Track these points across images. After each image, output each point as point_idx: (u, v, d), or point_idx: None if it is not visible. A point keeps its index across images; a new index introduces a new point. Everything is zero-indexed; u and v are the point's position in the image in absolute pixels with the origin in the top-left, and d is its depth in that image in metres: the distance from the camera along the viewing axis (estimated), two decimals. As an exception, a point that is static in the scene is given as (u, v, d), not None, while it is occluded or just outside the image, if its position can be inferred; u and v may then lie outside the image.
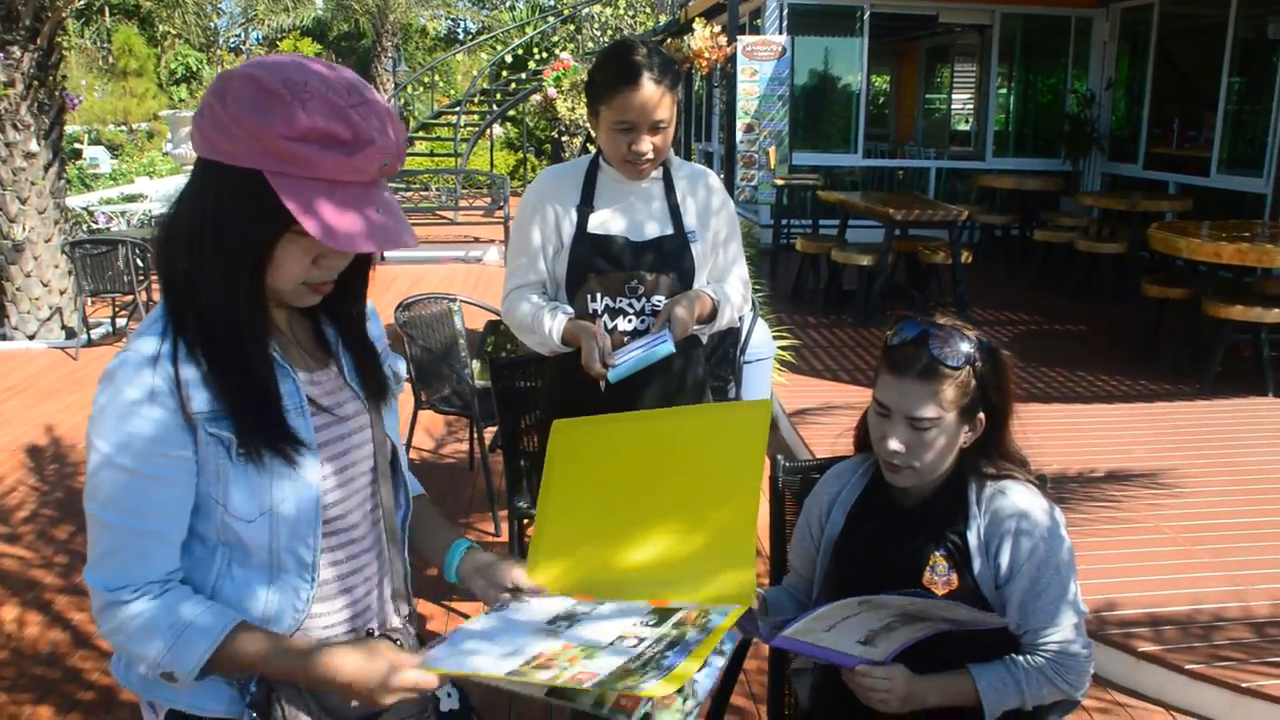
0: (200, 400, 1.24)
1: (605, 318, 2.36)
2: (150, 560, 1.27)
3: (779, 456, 2.15)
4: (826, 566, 1.86)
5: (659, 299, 2.36)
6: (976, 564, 1.72)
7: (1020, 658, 1.72)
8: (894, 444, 1.69)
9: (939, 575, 1.74)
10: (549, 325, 2.34)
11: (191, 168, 1.26)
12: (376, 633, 1.43)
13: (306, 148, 1.15)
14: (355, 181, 1.19)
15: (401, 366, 1.59)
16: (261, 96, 1.15)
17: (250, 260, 1.23)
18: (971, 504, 1.76)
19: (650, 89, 2.19)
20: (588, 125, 7.58)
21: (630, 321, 2.37)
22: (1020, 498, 1.75)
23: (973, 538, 1.74)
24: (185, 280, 1.26)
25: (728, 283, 2.51)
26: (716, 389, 4.81)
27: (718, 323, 2.45)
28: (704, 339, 2.57)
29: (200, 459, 1.26)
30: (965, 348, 1.67)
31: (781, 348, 6.18)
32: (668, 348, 2.19)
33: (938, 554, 1.74)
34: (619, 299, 2.36)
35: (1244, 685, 2.94)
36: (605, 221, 2.38)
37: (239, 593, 1.32)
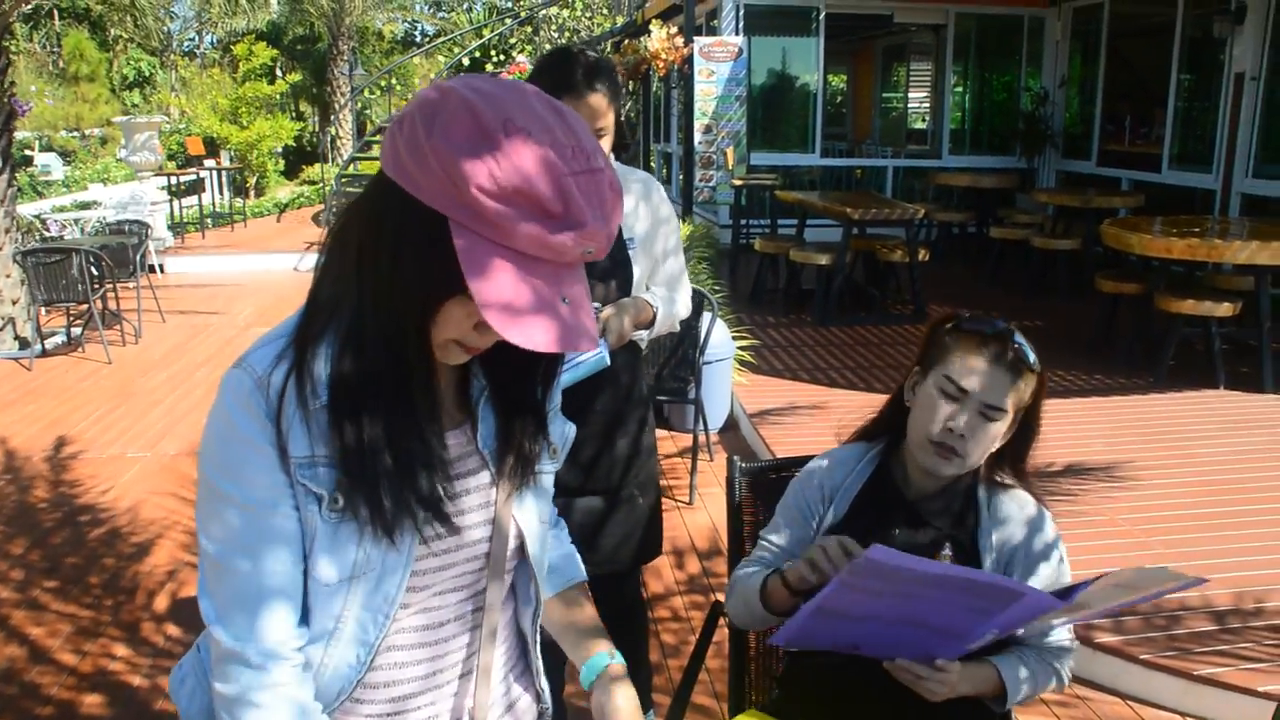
0: (299, 445, 1.08)
1: None
2: (270, 613, 1.11)
3: (734, 457, 2.16)
4: None
5: (595, 305, 2.33)
6: (986, 563, 1.75)
7: (1028, 650, 1.74)
8: (962, 427, 1.69)
9: None
10: None
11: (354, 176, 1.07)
12: None
13: (504, 207, 0.94)
14: (549, 261, 0.99)
15: (572, 432, 1.37)
16: (476, 135, 0.95)
17: (417, 308, 1.05)
18: (981, 505, 1.78)
19: (593, 99, 2.17)
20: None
21: None
22: (1032, 505, 1.80)
23: (982, 537, 1.76)
24: (335, 304, 1.10)
25: (671, 287, 2.49)
26: (675, 390, 4.84)
27: (657, 328, 2.42)
28: (643, 345, 2.55)
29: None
30: (1033, 354, 1.73)
31: (741, 348, 6.22)
32: (602, 359, 2.14)
33: (946, 552, 1.76)
34: None
35: (1196, 673, 3.00)
36: None
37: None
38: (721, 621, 2.10)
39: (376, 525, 1.10)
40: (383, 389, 1.08)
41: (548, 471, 1.30)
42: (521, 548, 1.27)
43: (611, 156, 2.36)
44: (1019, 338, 1.73)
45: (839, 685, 1.81)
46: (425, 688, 1.24)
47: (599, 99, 2.19)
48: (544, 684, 1.40)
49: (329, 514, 1.09)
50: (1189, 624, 3.27)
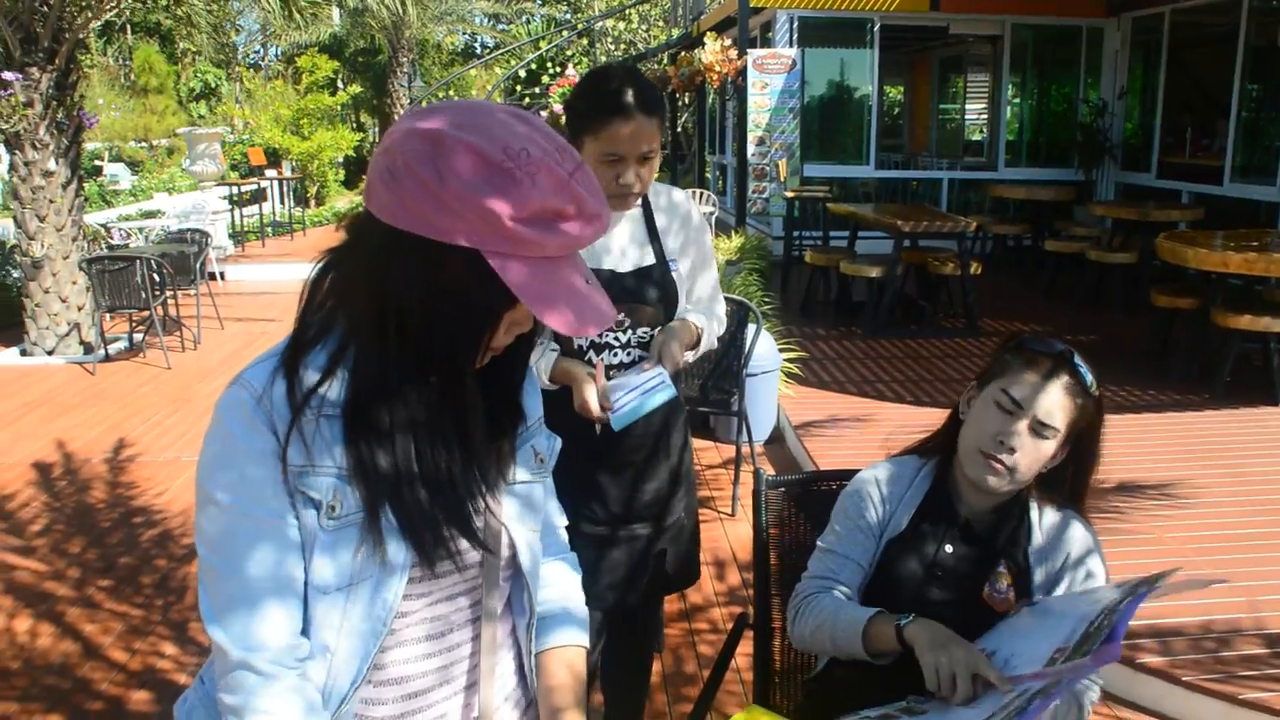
0: (297, 454, 1.12)
1: (591, 353, 2.27)
2: (273, 619, 1.13)
3: (759, 469, 2.17)
4: (875, 566, 1.85)
5: (644, 331, 2.30)
6: (1035, 586, 1.75)
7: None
8: (1015, 441, 1.70)
9: (999, 592, 1.75)
10: (536, 363, 2.21)
11: (357, 230, 1.14)
12: None
13: (534, 229, 1.01)
14: (567, 257, 1.08)
15: (557, 445, 1.40)
16: (487, 172, 1.00)
17: (465, 345, 1.11)
18: (1034, 527, 1.78)
19: (639, 119, 2.13)
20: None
21: (617, 355, 2.29)
22: (1081, 531, 1.79)
23: (1034, 560, 1.76)
24: (327, 324, 1.16)
25: (707, 306, 2.48)
26: (719, 401, 4.84)
27: (701, 348, 2.40)
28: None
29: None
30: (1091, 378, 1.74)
31: (789, 360, 6.20)
32: (668, 392, 2.10)
33: (1000, 569, 1.76)
34: (605, 333, 2.27)
35: (1240, 697, 2.93)
36: (588, 254, 2.27)
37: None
38: (747, 633, 2.10)
39: (419, 553, 1.15)
40: (419, 424, 1.14)
41: (535, 482, 1.33)
42: (515, 558, 1.30)
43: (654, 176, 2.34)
44: (1079, 361, 1.74)
45: (865, 698, 1.81)
46: (434, 691, 1.26)
47: (647, 121, 2.14)
48: (535, 691, 1.40)
49: (328, 521, 1.12)
50: (1237, 647, 3.21)
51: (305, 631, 1.16)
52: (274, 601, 1.12)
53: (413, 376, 1.11)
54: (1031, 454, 1.71)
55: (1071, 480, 1.80)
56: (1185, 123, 10.66)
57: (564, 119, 2.27)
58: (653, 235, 2.36)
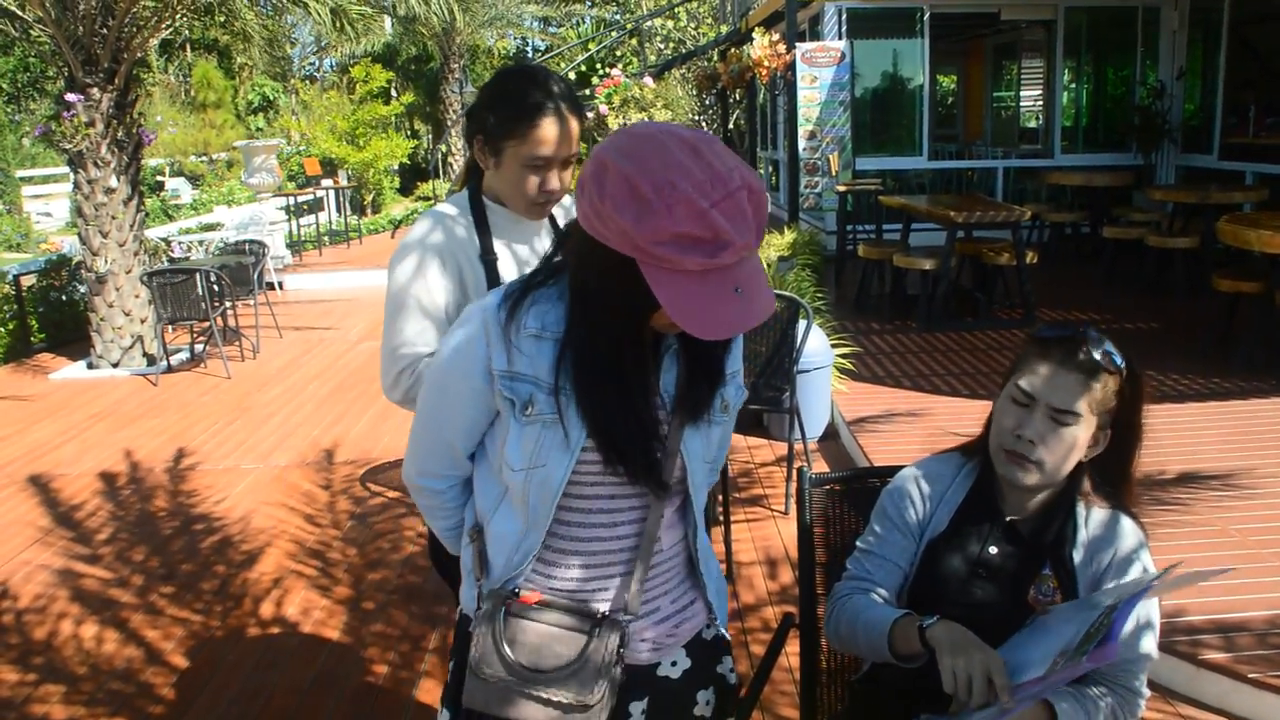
0: (500, 361, 1.46)
1: None
2: (444, 463, 1.63)
3: (803, 467, 2.15)
4: (917, 566, 1.83)
5: None
6: (1081, 587, 1.71)
7: (1090, 689, 1.67)
8: (1031, 434, 1.68)
9: (1044, 594, 1.72)
10: None
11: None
12: (606, 615, 1.54)
13: (670, 249, 1.24)
14: (715, 269, 1.27)
15: (744, 396, 1.66)
16: (633, 201, 1.25)
17: (630, 325, 1.40)
18: (1080, 526, 1.74)
19: (569, 121, 2.05)
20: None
21: None
22: (1130, 529, 1.74)
23: (1079, 560, 1.72)
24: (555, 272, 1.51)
25: None
26: (771, 399, 4.81)
27: None
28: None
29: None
30: (1117, 354, 1.68)
31: (842, 355, 6.15)
32: None
33: (1046, 571, 1.72)
34: None
35: (1310, 692, 2.85)
36: (508, 268, 2.18)
37: (503, 524, 1.55)
38: (793, 633, 2.08)
39: (603, 452, 1.47)
40: (612, 370, 1.44)
41: (719, 423, 1.60)
42: (684, 480, 1.56)
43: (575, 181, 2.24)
44: (1095, 337, 1.68)
45: (910, 700, 1.79)
46: (598, 568, 1.55)
47: (574, 122, 2.07)
48: (714, 601, 1.67)
49: (521, 417, 1.46)
50: (1305, 640, 3.12)
51: (496, 500, 1.56)
52: (446, 446, 1.60)
53: (601, 329, 1.41)
54: (1056, 444, 1.67)
55: (1113, 463, 1.75)
56: (1248, 101, 10.37)
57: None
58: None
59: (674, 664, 1.66)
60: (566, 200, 2.31)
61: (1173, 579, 1.56)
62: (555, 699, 1.48)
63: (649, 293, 1.27)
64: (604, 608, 1.55)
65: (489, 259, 2.13)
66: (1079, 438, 1.68)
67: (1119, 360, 1.67)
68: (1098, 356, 1.66)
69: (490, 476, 1.58)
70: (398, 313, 2.11)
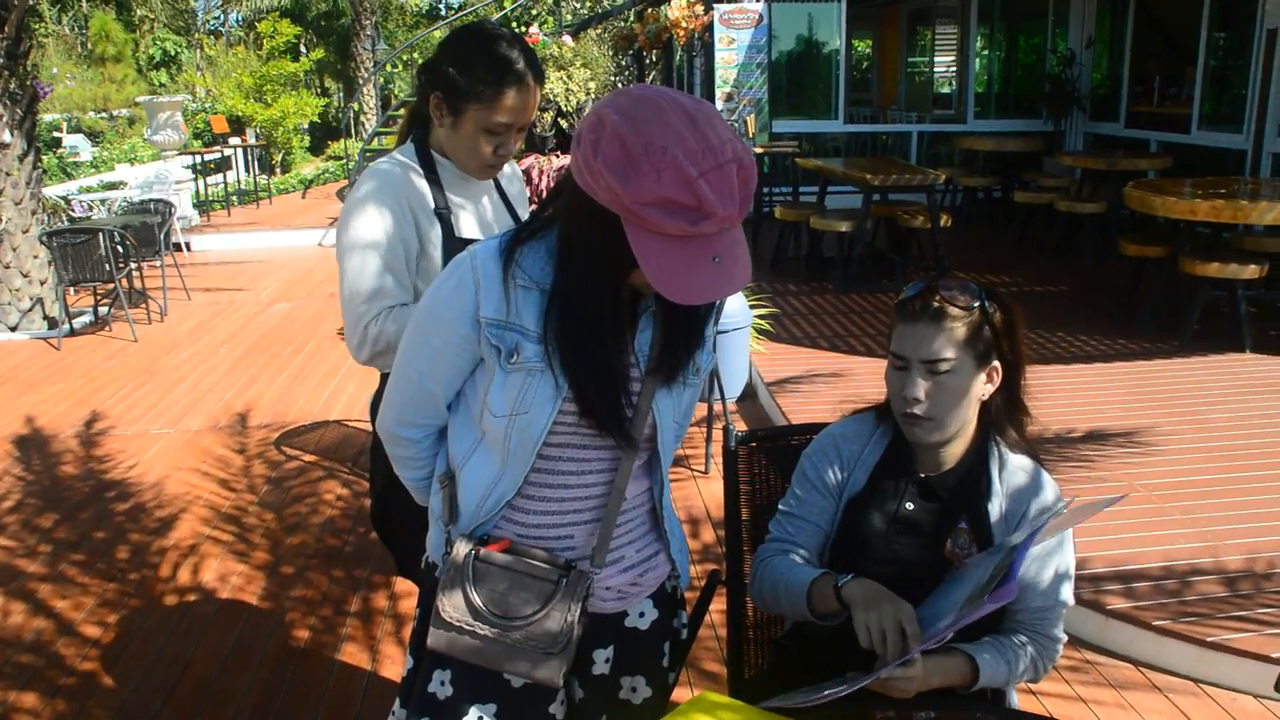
0: (491, 308, 1.49)
1: None
2: (424, 411, 1.64)
3: (729, 426, 2.16)
4: (839, 525, 1.85)
5: None
6: (997, 539, 1.74)
7: (1011, 638, 1.72)
8: (914, 392, 1.70)
9: (960, 547, 1.74)
10: None
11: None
12: (571, 564, 1.58)
13: (654, 211, 1.27)
14: (696, 235, 1.30)
15: (713, 361, 1.67)
16: (623, 160, 1.28)
17: (610, 279, 1.43)
18: (994, 479, 1.77)
19: (533, 88, 2.06)
20: (557, 100, 7.53)
21: None
22: (1040, 478, 1.78)
23: (994, 513, 1.75)
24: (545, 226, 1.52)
25: None
26: (692, 360, 4.83)
27: None
28: None
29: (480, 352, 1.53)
30: (972, 290, 1.71)
31: (760, 316, 6.20)
32: None
33: (961, 525, 1.75)
34: None
35: (1209, 640, 2.98)
36: (464, 223, 2.19)
37: (477, 470, 1.59)
38: (720, 590, 2.10)
39: (579, 403, 1.50)
40: (592, 329, 1.47)
41: (691, 384, 1.64)
42: (654, 438, 1.60)
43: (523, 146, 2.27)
44: (946, 284, 1.72)
45: (834, 651, 1.82)
46: (568, 515, 1.59)
47: (536, 90, 2.08)
48: (677, 558, 1.75)
49: (506, 364, 1.49)
50: (1203, 590, 3.25)
51: (472, 446, 1.59)
52: (427, 399, 1.62)
53: (582, 280, 1.44)
54: (941, 396, 1.70)
55: (1005, 396, 1.79)
56: (1153, 71, 10.65)
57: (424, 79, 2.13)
58: (508, 206, 2.33)
59: (642, 614, 1.72)
60: (507, 169, 2.33)
61: (1069, 514, 1.61)
62: (520, 644, 1.52)
63: (630, 250, 1.31)
64: (570, 556, 1.59)
65: (443, 213, 2.13)
66: (962, 383, 1.71)
67: (966, 297, 1.70)
68: (952, 300, 1.69)
69: (467, 423, 1.61)
70: (359, 267, 2.07)
